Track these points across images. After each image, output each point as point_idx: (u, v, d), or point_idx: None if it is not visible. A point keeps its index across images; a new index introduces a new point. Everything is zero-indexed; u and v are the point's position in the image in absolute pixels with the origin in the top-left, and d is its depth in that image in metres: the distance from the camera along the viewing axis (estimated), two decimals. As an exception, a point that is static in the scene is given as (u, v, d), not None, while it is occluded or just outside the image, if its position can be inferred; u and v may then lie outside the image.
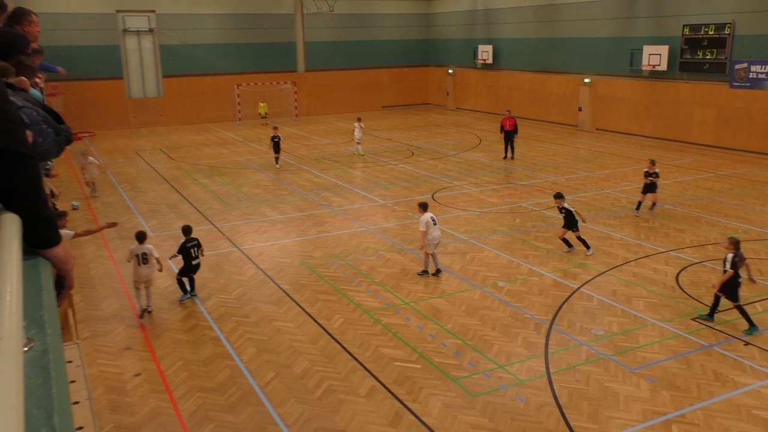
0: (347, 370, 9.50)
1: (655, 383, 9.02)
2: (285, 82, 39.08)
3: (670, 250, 14.49)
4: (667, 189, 20.30)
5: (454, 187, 20.89)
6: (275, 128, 25.00)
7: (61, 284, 1.81)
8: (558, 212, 14.87)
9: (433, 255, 13.03)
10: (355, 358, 9.85)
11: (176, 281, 12.24)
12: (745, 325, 10.52)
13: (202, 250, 12.28)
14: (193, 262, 12.00)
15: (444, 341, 10.33)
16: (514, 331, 10.64)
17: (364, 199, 19.54)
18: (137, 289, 11.47)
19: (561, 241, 14.63)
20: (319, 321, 11.17)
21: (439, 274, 13.10)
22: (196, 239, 12.23)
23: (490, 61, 38.32)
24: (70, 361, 3.13)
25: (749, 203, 18.40)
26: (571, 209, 14.39)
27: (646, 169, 17.23)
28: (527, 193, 19.99)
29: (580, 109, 32.75)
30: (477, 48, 39.24)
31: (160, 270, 11.70)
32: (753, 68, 25.19)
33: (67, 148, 3.34)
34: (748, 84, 25.46)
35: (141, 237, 11.41)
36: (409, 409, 8.47)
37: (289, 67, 39.75)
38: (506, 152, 25.50)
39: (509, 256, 14.27)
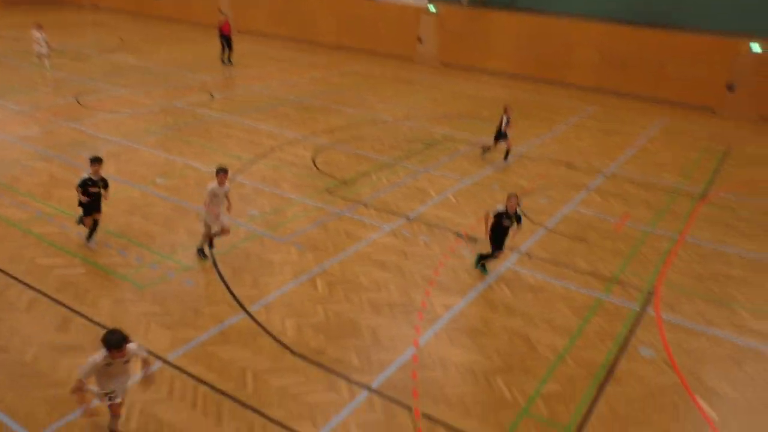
0: (0, 288, 8.26)
1: (301, 248, 9.92)
2: None
3: (307, 137, 15.59)
4: (303, 86, 21.43)
5: (100, 90, 18.73)
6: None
7: None
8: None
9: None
10: (8, 274, 8.59)
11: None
12: None
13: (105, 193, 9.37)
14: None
15: (108, 243, 9.63)
16: (177, 223, 10.45)
17: (-5, 107, 16.31)
18: None
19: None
20: (-45, 242, 9.32)
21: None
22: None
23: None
24: None
25: (363, 94, 20.65)
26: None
27: None
28: (178, 93, 19.06)
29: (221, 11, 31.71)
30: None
31: None
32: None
33: None
34: (359, -7, 27.65)
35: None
36: (77, 313, 7.83)
37: None
38: None
39: (166, 153, 13.66)
